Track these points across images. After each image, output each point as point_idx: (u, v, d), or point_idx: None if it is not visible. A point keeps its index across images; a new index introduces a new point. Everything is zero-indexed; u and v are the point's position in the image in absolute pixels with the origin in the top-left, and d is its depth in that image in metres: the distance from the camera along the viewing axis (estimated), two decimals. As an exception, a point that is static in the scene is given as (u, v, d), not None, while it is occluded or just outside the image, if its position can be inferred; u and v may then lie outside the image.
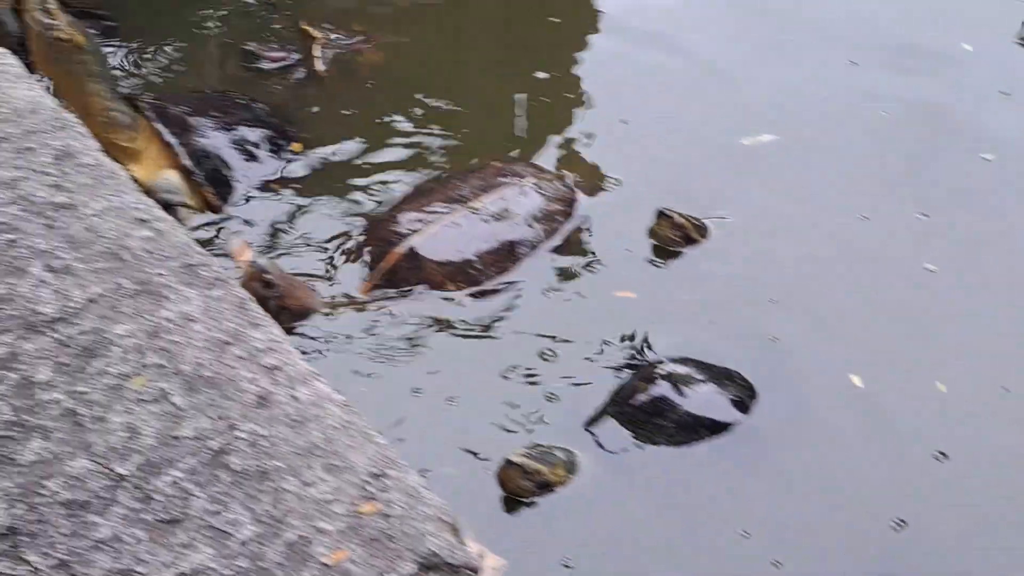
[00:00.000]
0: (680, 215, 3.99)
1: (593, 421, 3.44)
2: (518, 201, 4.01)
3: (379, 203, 4.11)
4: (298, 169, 4.23)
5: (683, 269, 3.99)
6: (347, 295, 3.76)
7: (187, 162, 4.01)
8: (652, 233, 4.03)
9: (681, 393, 3.42)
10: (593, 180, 4.27)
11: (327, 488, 2.18)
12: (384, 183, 4.21)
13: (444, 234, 3.86)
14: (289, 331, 3.41)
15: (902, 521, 3.22)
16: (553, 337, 3.67)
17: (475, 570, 2.21)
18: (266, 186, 4.12)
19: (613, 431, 3.42)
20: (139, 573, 2.00)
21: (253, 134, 4.21)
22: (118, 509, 2.08)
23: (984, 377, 3.64)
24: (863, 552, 3.16)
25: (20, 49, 3.80)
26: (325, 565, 2.07)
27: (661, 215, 3.99)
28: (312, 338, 3.61)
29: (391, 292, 3.77)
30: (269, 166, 4.18)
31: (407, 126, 4.48)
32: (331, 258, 3.89)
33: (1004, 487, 3.35)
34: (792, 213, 4.23)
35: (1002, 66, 5.02)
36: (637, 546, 3.15)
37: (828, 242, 4.12)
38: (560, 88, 4.76)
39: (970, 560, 3.16)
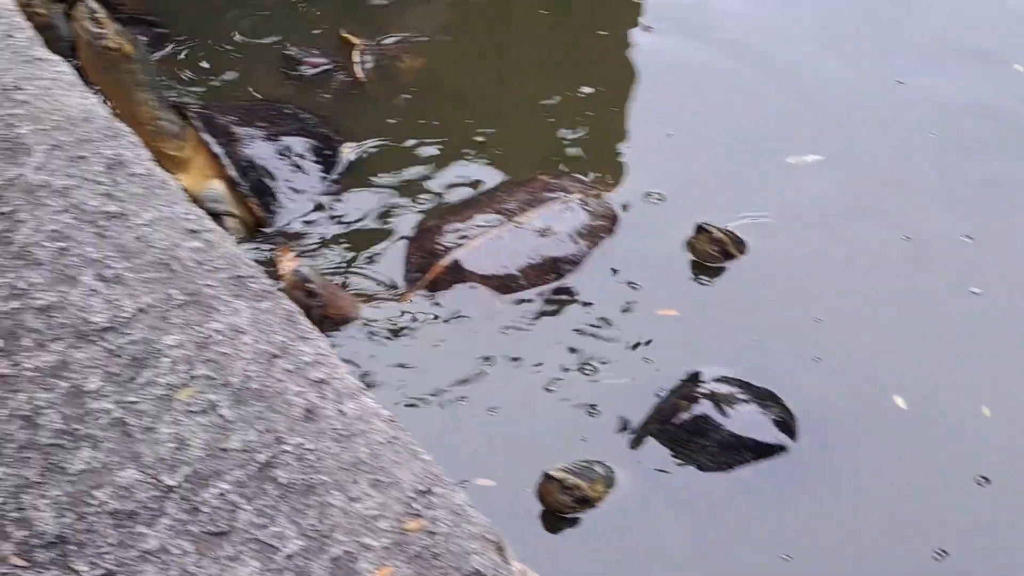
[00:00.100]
0: (719, 230, 3.98)
1: (634, 438, 3.43)
2: (563, 217, 4.01)
3: (424, 213, 4.12)
4: (342, 178, 4.24)
5: (724, 285, 3.98)
6: (389, 304, 3.77)
7: (233, 172, 4.03)
8: (690, 247, 4.02)
9: (723, 413, 3.41)
10: (636, 194, 4.26)
11: (373, 504, 2.18)
12: (429, 193, 4.22)
13: (488, 248, 3.87)
14: (330, 339, 3.42)
15: (943, 551, 3.19)
16: (594, 353, 3.67)
17: (519, 590, 2.21)
18: (310, 196, 4.13)
19: (653, 449, 3.41)
20: (186, 585, 2.01)
21: (299, 144, 4.23)
22: (165, 520, 2.08)
23: (1029, 402, 3.61)
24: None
25: (72, 54, 3.84)
26: (370, 581, 2.08)
27: (700, 229, 3.98)
28: (352, 347, 3.62)
29: (434, 302, 3.78)
30: (314, 176, 4.19)
31: (451, 135, 4.48)
32: (374, 268, 3.91)
33: (1048, 515, 3.32)
34: (834, 232, 4.20)
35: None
36: (675, 566, 3.14)
37: (870, 262, 4.09)
38: (606, 101, 4.74)
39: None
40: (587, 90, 4.75)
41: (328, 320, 3.57)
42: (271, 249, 3.92)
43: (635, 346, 3.69)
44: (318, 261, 3.90)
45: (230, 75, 4.68)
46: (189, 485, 2.13)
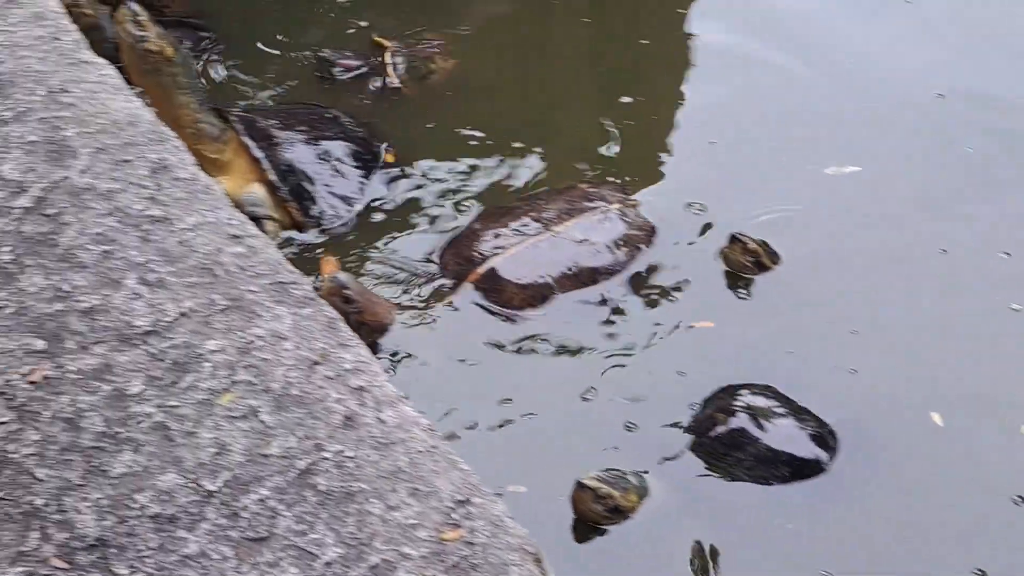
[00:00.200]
0: (753, 240, 3.96)
1: (669, 450, 3.42)
2: (602, 227, 4.00)
3: (461, 219, 4.12)
4: (380, 184, 4.25)
5: (759, 297, 3.96)
6: (426, 311, 3.78)
7: (273, 176, 4.05)
8: (724, 257, 4.00)
9: (760, 426, 3.39)
10: (675, 204, 4.25)
11: (411, 513, 2.19)
12: (467, 198, 4.22)
13: (525, 256, 3.87)
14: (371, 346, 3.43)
15: (980, 571, 3.17)
16: (629, 364, 3.66)
17: (556, 602, 2.21)
18: (349, 201, 4.14)
19: (688, 461, 3.40)
20: (225, 590, 2.02)
21: (339, 149, 4.24)
22: (205, 525, 2.10)
23: (1069, 422, 3.58)
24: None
25: (117, 56, 3.87)
26: (408, 590, 2.08)
27: (734, 239, 3.97)
28: (389, 353, 3.63)
29: (470, 309, 3.78)
30: (353, 181, 4.20)
31: (488, 140, 4.48)
32: (411, 274, 3.91)
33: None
34: (870, 244, 4.17)
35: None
36: (708, 580, 3.14)
37: (906, 275, 4.06)
38: (647, 109, 4.73)
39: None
40: (627, 99, 4.73)
41: (364, 327, 3.57)
42: (311, 254, 3.93)
43: (670, 357, 3.68)
44: (355, 266, 3.91)
45: (270, 78, 4.69)
46: (229, 490, 2.14)
